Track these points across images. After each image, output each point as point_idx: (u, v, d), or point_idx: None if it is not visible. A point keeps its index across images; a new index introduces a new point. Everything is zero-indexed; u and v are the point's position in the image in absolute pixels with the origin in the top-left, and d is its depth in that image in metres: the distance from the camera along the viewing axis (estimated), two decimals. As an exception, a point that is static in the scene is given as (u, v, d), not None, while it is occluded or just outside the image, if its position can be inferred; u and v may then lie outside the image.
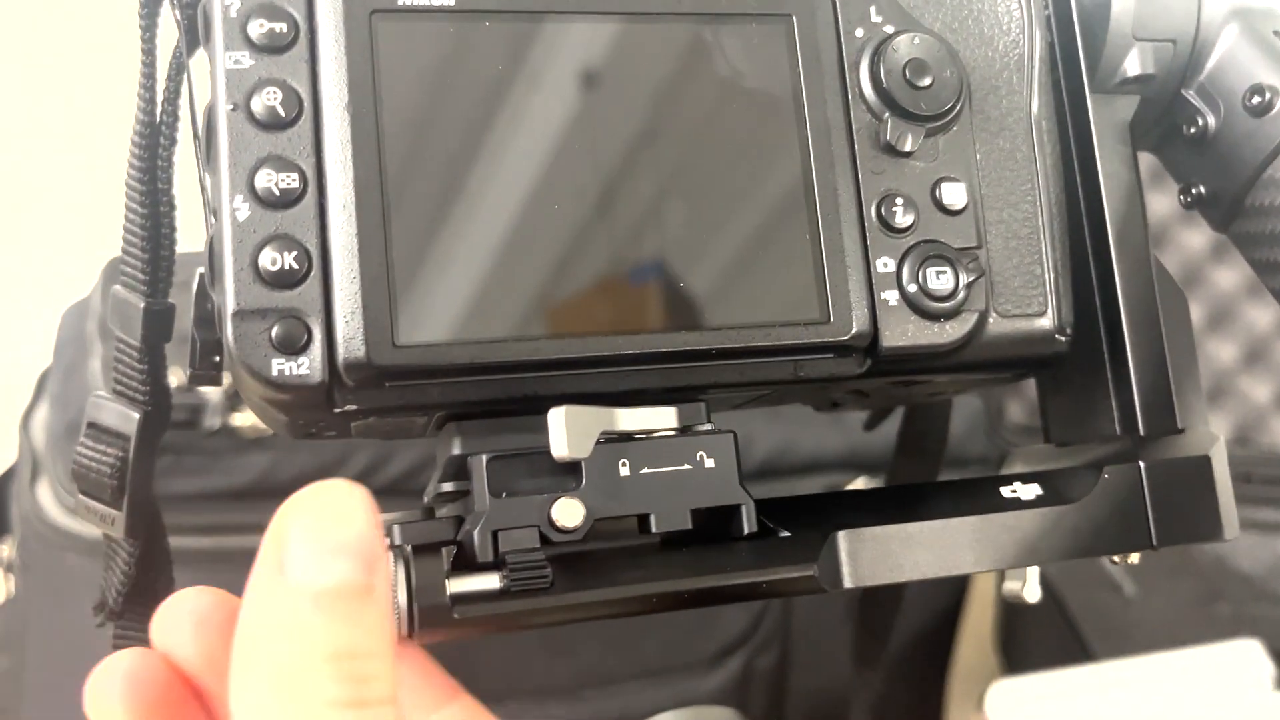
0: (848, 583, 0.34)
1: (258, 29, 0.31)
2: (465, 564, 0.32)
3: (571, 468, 0.33)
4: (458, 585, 0.32)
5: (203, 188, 0.33)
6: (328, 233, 0.31)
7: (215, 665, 0.31)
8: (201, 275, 0.34)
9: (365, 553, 0.26)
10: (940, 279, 0.35)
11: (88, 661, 0.38)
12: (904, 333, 0.34)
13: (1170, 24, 0.37)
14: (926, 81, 0.35)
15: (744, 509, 0.34)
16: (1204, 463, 0.38)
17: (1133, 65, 0.37)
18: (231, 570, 0.78)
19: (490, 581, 0.32)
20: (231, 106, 0.31)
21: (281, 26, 0.31)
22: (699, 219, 0.33)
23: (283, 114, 0.31)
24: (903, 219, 0.35)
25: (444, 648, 0.87)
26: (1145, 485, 0.37)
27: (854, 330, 0.34)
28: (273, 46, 0.31)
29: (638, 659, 0.86)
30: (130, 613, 0.39)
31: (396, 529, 0.35)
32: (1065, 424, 0.42)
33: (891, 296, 0.34)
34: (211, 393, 0.75)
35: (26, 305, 1.10)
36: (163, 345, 0.37)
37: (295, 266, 0.30)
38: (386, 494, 0.80)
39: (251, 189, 0.31)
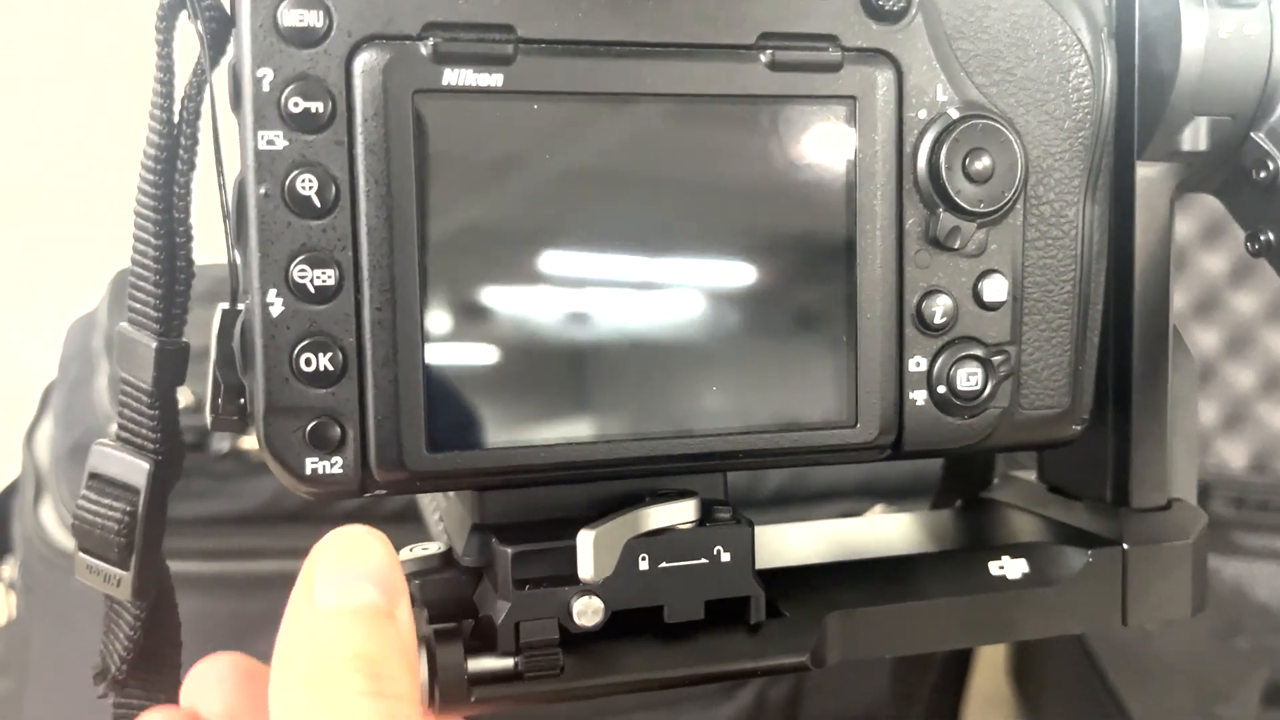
0: (833, 660, 0.35)
1: (293, 107, 0.29)
2: (483, 636, 0.33)
3: None
4: (475, 665, 0.32)
5: (231, 264, 0.31)
6: (363, 330, 0.30)
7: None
8: (224, 312, 0.32)
9: (384, 582, 0.29)
10: (970, 380, 0.34)
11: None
12: (927, 431, 0.34)
13: (1232, 99, 0.36)
14: (986, 176, 0.33)
15: (754, 600, 0.34)
16: (1184, 551, 0.39)
17: (1188, 140, 0.36)
18: (237, 596, 0.76)
19: (505, 662, 0.32)
20: (264, 191, 0.29)
21: (318, 105, 0.29)
22: (739, 317, 0.32)
23: (318, 204, 0.29)
24: (941, 317, 0.34)
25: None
26: (1125, 569, 0.38)
27: (878, 433, 0.34)
28: (308, 126, 0.29)
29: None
30: (134, 681, 0.36)
31: (416, 584, 0.35)
32: (1061, 471, 0.43)
33: (920, 396, 0.34)
34: (221, 414, 0.74)
35: (30, 315, 1.09)
36: (175, 389, 0.35)
37: (330, 368, 0.30)
38: (397, 520, 0.78)
39: (286, 282, 0.29)
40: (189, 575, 0.74)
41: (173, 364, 0.34)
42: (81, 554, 0.35)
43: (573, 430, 0.32)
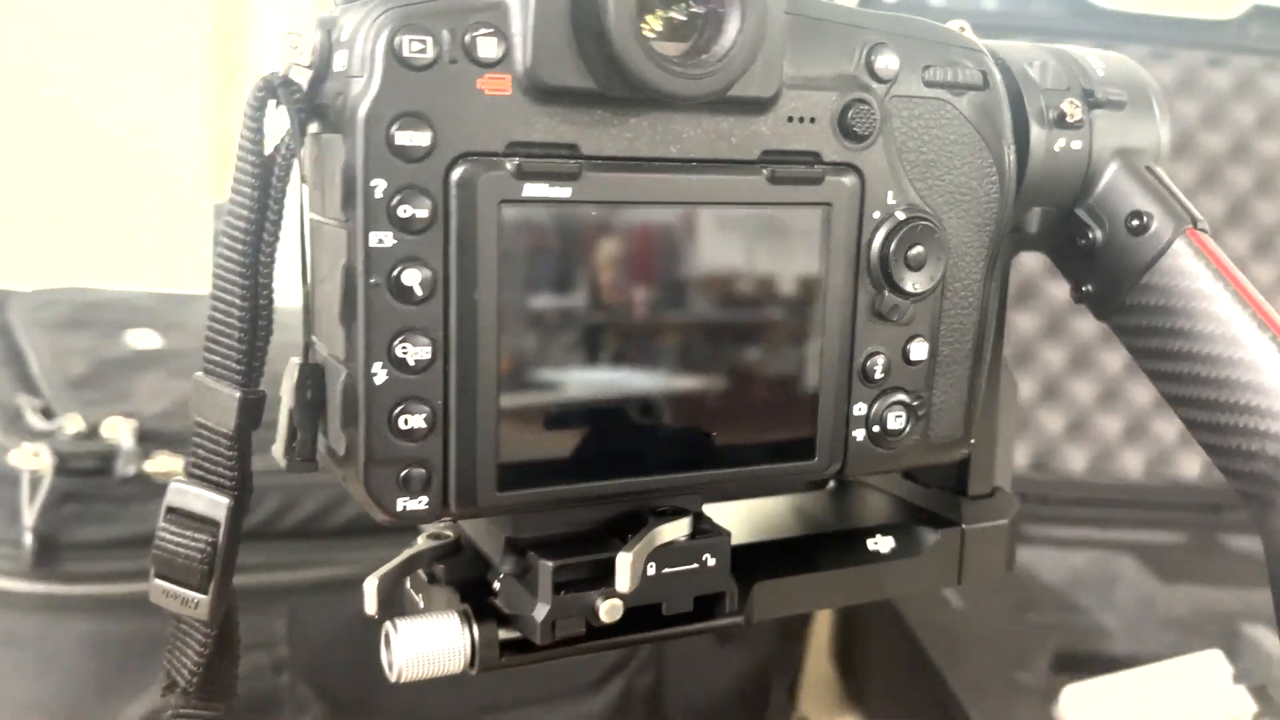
0: (758, 618, 0.44)
1: (401, 212, 0.33)
2: (517, 625, 0.40)
3: (612, 569, 0.39)
4: (506, 636, 0.40)
5: (305, 324, 0.37)
6: (449, 395, 0.35)
7: None
8: (300, 366, 0.37)
9: None
10: (896, 420, 0.42)
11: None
12: (863, 461, 0.43)
13: (1058, 194, 0.46)
14: (921, 265, 0.41)
15: (728, 595, 0.43)
16: (1003, 529, 0.51)
17: (1027, 223, 0.46)
18: (138, 615, 0.78)
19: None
20: (374, 282, 0.34)
21: (422, 212, 0.33)
22: (736, 379, 0.40)
23: (420, 293, 0.34)
24: (880, 373, 0.42)
25: (343, 682, 0.89)
26: (963, 544, 0.50)
27: (830, 467, 0.42)
28: (412, 228, 0.34)
29: (527, 685, 0.91)
30: (201, 691, 0.40)
31: (441, 568, 0.42)
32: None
33: (859, 434, 0.42)
34: (125, 439, 0.76)
35: None
36: (251, 433, 0.38)
37: (423, 426, 0.35)
38: (295, 536, 0.82)
39: (389, 357, 0.34)
40: (90, 598, 0.76)
41: (253, 412, 0.38)
42: (158, 580, 0.39)
43: (606, 470, 0.38)
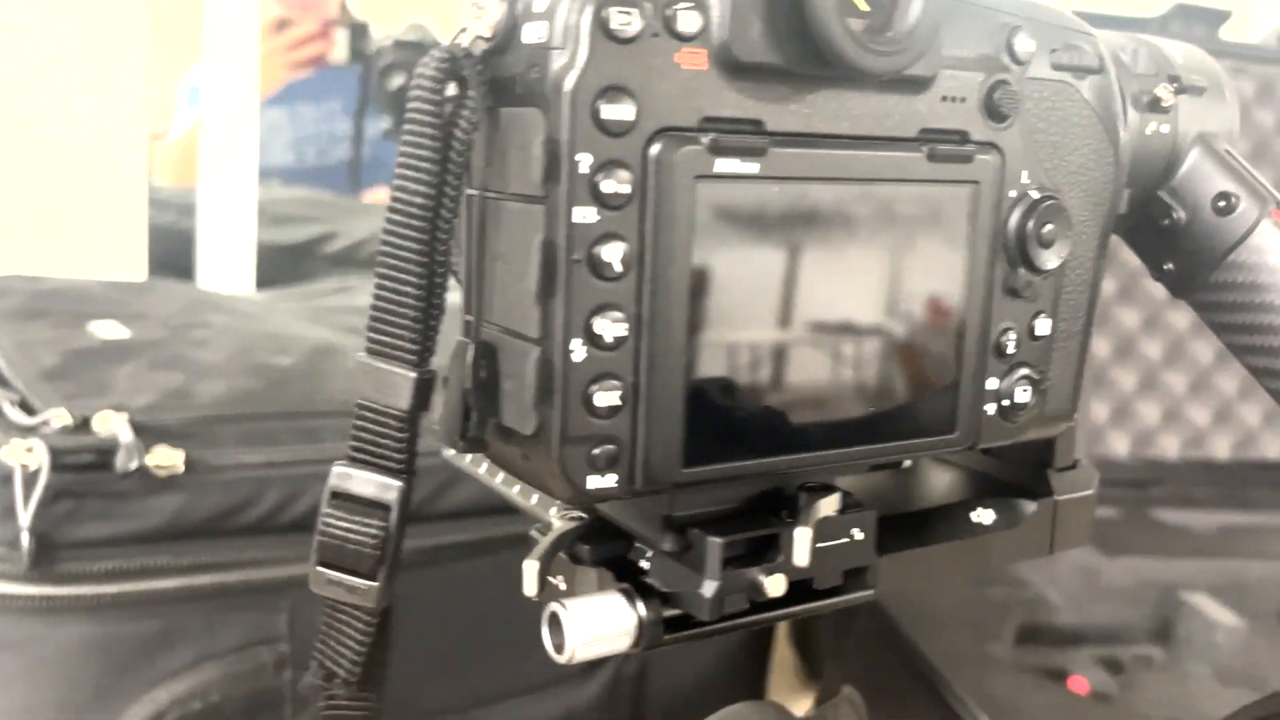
0: (880, 588, 0.44)
1: (605, 187, 0.33)
2: (680, 602, 0.40)
3: (774, 542, 0.39)
4: (669, 612, 0.40)
5: (468, 304, 0.36)
6: (640, 371, 0.35)
7: None
8: (474, 346, 0.36)
9: None
10: (1023, 394, 0.44)
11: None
12: (992, 433, 0.44)
13: (1145, 177, 0.48)
14: (1051, 243, 0.42)
15: (871, 568, 0.43)
16: (1089, 499, 0.53)
17: (1119, 206, 0.47)
18: (135, 617, 0.75)
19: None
20: (575, 258, 0.33)
21: (624, 187, 0.33)
22: (894, 357, 0.41)
23: (619, 269, 0.34)
24: (1011, 349, 0.43)
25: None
26: (1055, 514, 0.51)
27: (966, 438, 0.43)
28: (614, 203, 0.33)
29: (522, 676, 0.90)
30: (360, 682, 0.39)
31: (586, 549, 0.41)
32: None
33: (991, 408, 0.43)
34: (123, 433, 0.73)
35: None
36: (421, 414, 0.37)
37: (617, 403, 0.35)
38: (295, 530, 0.79)
39: (588, 333, 0.34)
40: (88, 598, 0.72)
41: (426, 393, 0.37)
42: (321, 568, 0.37)
43: (777, 446, 0.38)
